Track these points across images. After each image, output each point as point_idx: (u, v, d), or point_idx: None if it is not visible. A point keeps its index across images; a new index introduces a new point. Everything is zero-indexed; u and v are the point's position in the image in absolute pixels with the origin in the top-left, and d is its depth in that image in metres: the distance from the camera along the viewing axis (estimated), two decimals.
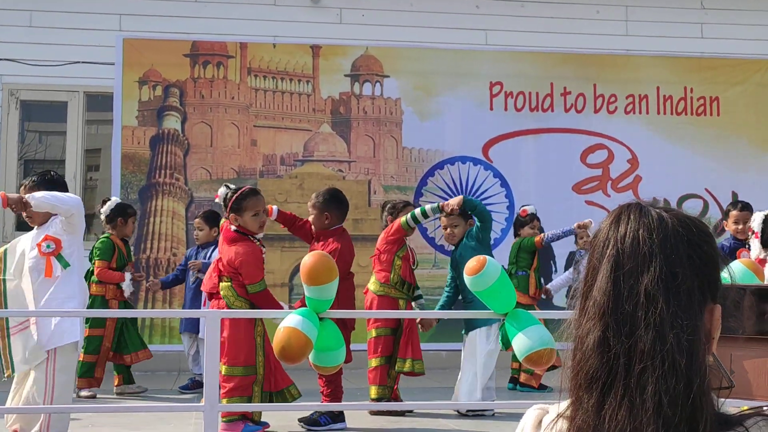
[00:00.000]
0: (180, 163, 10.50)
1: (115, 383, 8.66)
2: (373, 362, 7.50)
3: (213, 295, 6.73)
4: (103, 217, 8.86)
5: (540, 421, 1.34)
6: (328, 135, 10.87)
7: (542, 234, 8.87)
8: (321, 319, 5.10)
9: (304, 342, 4.93)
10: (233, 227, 6.70)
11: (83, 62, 10.67)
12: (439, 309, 7.86)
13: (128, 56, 10.42)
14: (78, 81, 10.75)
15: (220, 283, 6.66)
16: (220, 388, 5.62)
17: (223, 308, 6.51)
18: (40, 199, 5.55)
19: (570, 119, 11.14)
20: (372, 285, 7.64)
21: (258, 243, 6.71)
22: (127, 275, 8.65)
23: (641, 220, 1.26)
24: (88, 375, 8.46)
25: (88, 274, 8.55)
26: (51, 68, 10.68)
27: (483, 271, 4.94)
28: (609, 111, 11.21)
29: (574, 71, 11.20)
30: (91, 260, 8.66)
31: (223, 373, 6.15)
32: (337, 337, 5.16)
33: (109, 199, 9.05)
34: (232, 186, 7.03)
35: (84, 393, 8.40)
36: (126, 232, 8.84)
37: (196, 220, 9.14)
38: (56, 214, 5.80)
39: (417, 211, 7.56)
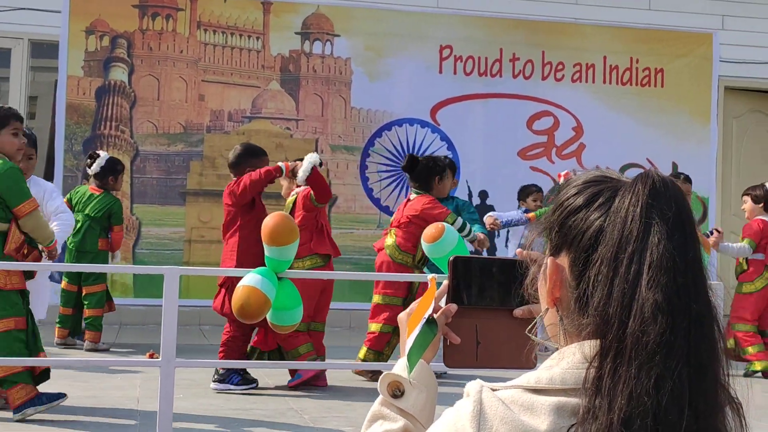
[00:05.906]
0: (126, 116, 10.37)
1: (57, 335, 8.61)
2: (374, 327, 7.15)
3: None
4: (91, 172, 8.48)
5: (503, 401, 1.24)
6: (277, 92, 10.83)
7: (497, 220, 8.82)
8: (280, 278, 5.14)
9: (263, 301, 4.98)
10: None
11: (29, 9, 10.44)
12: None
13: (75, 5, 10.19)
14: (23, 28, 10.53)
15: None
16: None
17: None
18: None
19: (518, 85, 11.23)
20: (389, 249, 7.17)
21: None
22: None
23: (671, 190, 1.25)
24: (98, 329, 8.44)
25: (87, 228, 8.37)
26: None
27: (441, 239, 5.02)
28: (556, 78, 11.33)
29: (523, 37, 11.28)
30: (96, 217, 8.40)
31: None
32: (295, 297, 5.21)
33: (98, 155, 8.61)
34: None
35: (102, 346, 8.40)
36: (117, 188, 8.67)
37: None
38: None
39: (470, 229, 7.02)
